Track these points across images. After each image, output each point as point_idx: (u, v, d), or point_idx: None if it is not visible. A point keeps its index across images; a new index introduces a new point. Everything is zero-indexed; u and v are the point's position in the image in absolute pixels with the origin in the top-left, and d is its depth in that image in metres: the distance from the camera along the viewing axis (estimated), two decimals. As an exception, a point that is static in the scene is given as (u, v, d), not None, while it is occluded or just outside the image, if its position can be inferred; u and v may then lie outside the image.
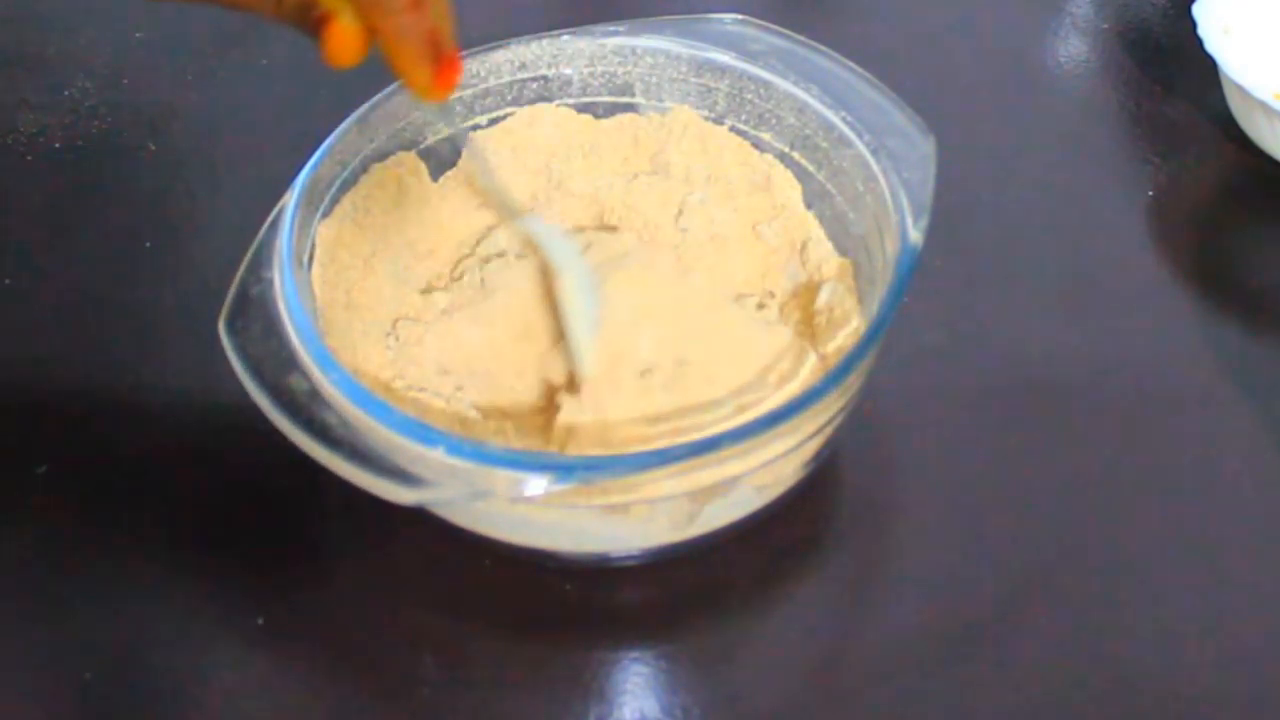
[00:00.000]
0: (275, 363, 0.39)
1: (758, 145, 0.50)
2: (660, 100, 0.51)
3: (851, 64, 0.47)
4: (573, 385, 0.44)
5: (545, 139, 0.51)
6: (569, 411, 0.42)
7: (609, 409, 0.42)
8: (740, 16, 0.50)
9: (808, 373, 0.43)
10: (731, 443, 0.38)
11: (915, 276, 0.41)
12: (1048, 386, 0.50)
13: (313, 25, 0.38)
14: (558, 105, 0.51)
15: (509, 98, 0.51)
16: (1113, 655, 0.43)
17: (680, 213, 0.50)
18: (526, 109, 0.51)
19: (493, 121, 0.51)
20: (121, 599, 0.44)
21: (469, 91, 0.50)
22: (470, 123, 0.50)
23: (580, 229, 0.49)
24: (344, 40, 0.37)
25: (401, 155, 0.49)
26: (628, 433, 0.42)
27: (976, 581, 0.45)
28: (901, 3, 0.69)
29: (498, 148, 0.50)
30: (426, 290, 0.47)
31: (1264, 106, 0.55)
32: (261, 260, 0.41)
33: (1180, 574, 0.45)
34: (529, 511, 0.41)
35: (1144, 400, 0.50)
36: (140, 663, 0.43)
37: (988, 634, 0.43)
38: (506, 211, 0.48)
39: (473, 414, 0.43)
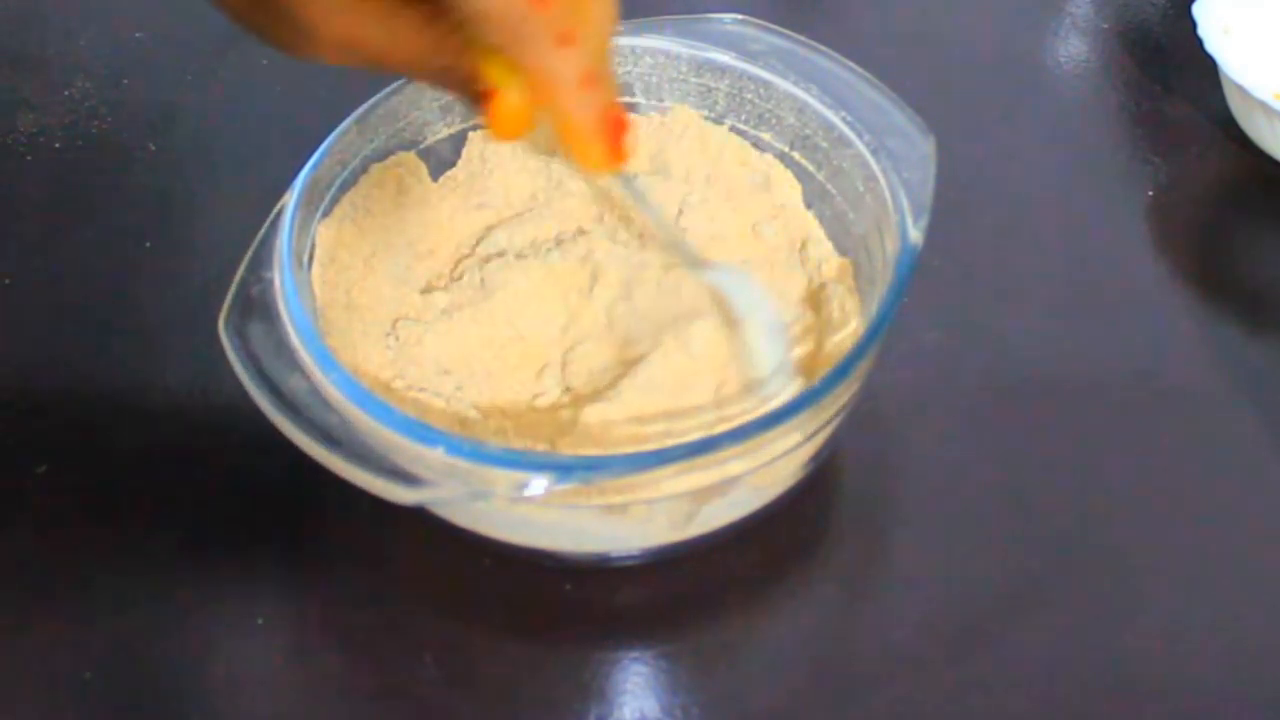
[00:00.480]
0: (275, 363, 0.39)
1: (757, 145, 0.50)
2: (660, 100, 0.51)
3: (851, 64, 0.47)
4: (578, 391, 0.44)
5: (545, 139, 0.51)
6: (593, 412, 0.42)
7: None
8: (740, 16, 0.49)
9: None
10: (731, 443, 0.38)
11: (915, 276, 0.41)
12: (1048, 386, 0.50)
13: (476, 97, 0.36)
14: None
15: (509, 98, 0.50)
16: (1113, 655, 0.43)
17: (680, 212, 0.50)
18: None
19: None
20: (121, 599, 0.44)
21: (469, 91, 0.50)
22: (470, 123, 0.50)
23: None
24: (511, 115, 0.36)
25: (401, 155, 0.49)
26: (625, 432, 0.42)
27: (976, 581, 0.45)
28: (901, 3, 0.69)
29: (497, 147, 0.50)
30: (426, 290, 0.47)
31: (1264, 106, 0.55)
32: (261, 260, 0.41)
33: (1180, 574, 0.45)
34: (529, 511, 0.41)
35: (1144, 400, 0.50)
36: (140, 663, 0.43)
37: (988, 634, 0.43)
38: (682, 256, 0.46)
39: (473, 414, 0.43)
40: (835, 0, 0.69)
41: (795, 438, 0.40)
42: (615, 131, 0.37)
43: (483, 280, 0.47)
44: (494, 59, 0.35)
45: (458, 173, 0.50)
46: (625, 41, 0.50)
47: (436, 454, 0.36)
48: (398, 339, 0.45)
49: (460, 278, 0.48)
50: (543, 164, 0.51)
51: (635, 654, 0.43)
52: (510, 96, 0.36)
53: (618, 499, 0.40)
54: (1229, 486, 0.47)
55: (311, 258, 0.45)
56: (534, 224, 0.49)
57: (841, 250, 0.48)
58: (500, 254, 0.48)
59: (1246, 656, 0.43)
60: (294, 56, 0.36)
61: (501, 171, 0.50)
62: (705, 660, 0.43)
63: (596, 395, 0.43)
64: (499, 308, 0.46)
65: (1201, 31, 0.57)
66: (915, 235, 0.42)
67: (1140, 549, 0.46)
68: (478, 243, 0.49)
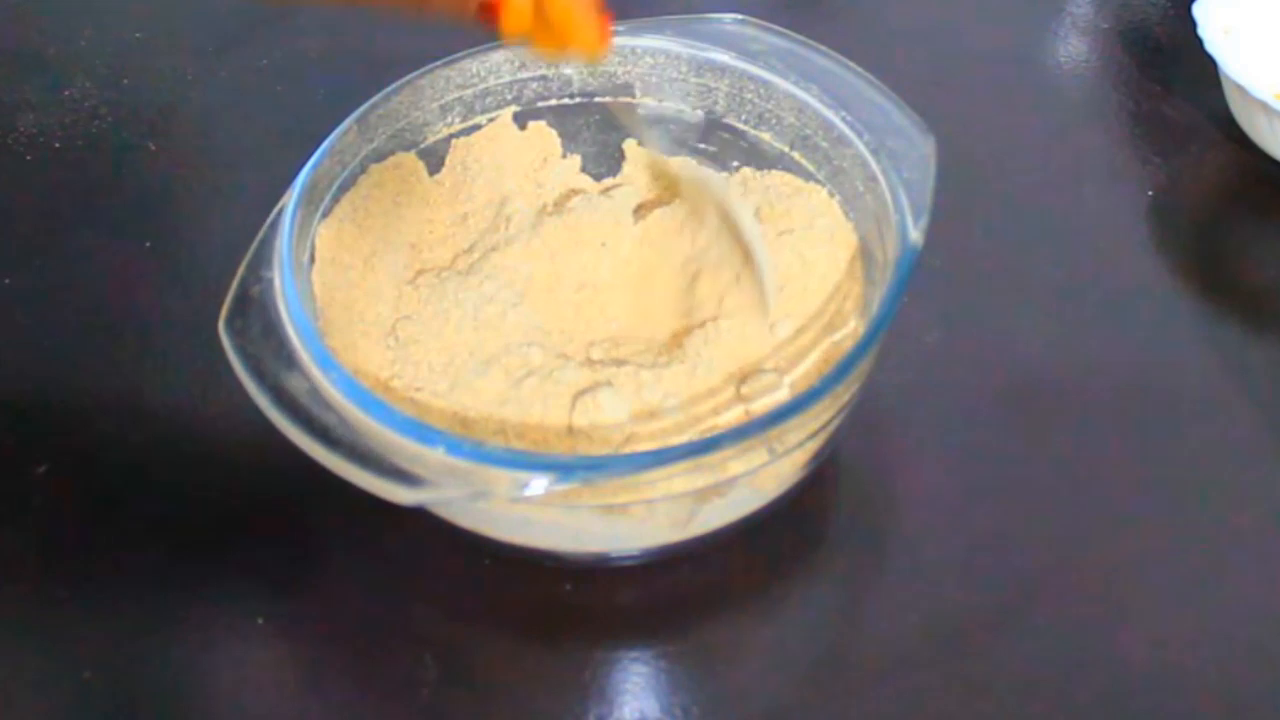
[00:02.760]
0: (275, 363, 0.39)
1: (757, 145, 0.50)
2: (660, 100, 0.51)
3: (851, 64, 0.47)
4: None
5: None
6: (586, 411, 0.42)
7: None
8: (740, 16, 0.49)
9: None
10: (731, 443, 0.38)
11: (915, 276, 0.41)
12: (1047, 386, 0.50)
13: (477, 10, 0.38)
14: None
15: (509, 98, 0.51)
16: (1112, 655, 0.43)
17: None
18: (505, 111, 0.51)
19: (491, 122, 0.51)
20: (120, 599, 0.44)
21: (469, 91, 0.50)
22: (470, 123, 0.50)
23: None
24: (520, 11, 0.38)
25: (401, 156, 0.49)
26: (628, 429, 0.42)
27: (976, 581, 0.45)
28: (902, 3, 0.69)
29: (479, 154, 0.50)
30: (417, 281, 0.47)
31: (1264, 106, 0.55)
32: (261, 260, 0.41)
33: (1180, 574, 0.45)
34: (529, 511, 0.41)
35: (1144, 400, 0.50)
36: (140, 663, 0.43)
37: (987, 634, 0.43)
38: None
39: (472, 413, 0.43)
40: (835, 0, 0.69)
41: (795, 437, 0.40)
42: (604, 14, 0.39)
43: (478, 275, 0.47)
44: None
45: (444, 179, 0.50)
46: (625, 41, 0.50)
47: (436, 454, 0.36)
48: (397, 339, 0.45)
49: (458, 273, 0.48)
50: (526, 164, 0.51)
51: (635, 654, 0.43)
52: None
53: (618, 499, 0.40)
54: (1228, 486, 0.47)
55: (311, 258, 0.45)
56: (523, 214, 0.49)
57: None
58: (494, 249, 0.48)
59: (1246, 656, 0.43)
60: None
61: (485, 178, 0.50)
62: (705, 660, 0.43)
63: (598, 386, 0.43)
64: (496, 305, 0.46)
65: (1201, 31, 0.57)
66: (915, 235, 0.42)
67: (1139, 549, 0.46)
68: (471, 246, 0.49)
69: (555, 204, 0.50)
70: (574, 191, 0.51)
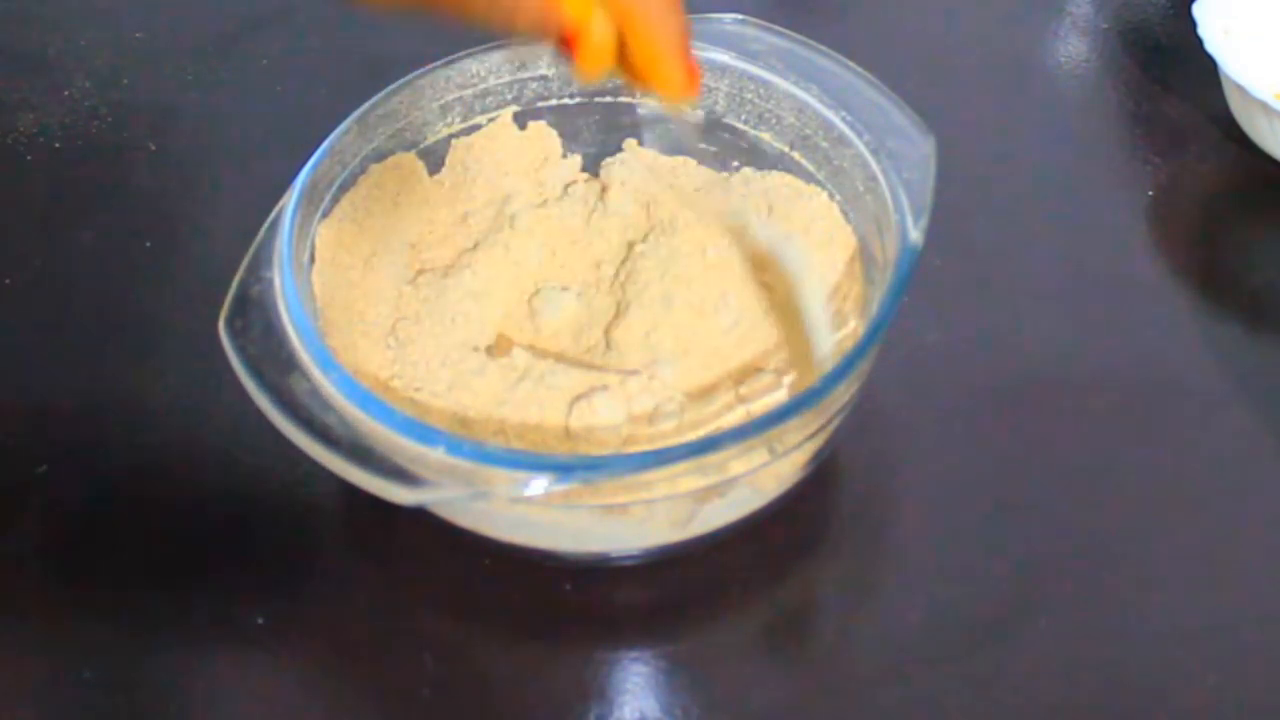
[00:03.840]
0: (275, 363, 0.39)
1: (757, 145, 0.50)
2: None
3: (851, 64, 0.47)
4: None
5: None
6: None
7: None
8: (740, 16, 0.49)
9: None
10: (731, 443, 0.38)
11: (915, 276, 0.41)
12: (1048, 386, 0.50)
13: (558, 37, 0.36)
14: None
15: (509, 98, 0.51)
16: (1112, 655, 0.43)
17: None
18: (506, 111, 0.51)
19: (491, 122, 0.51)
20: (121, 599, 0.44)
21: (469, 91, 0.50)
22: (470, 123, 0.50)
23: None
24: (599, 49, 0.36)
25: (401, 156, 0.49)
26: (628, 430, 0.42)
27: (976, 581, 0.45)
28: (901, 3, 0.69)
29: (479, 154, 0.50)
30: (417, 281, 0.47)
31: (1264, 106, 0.55)
32: (261, 260, 0.41)
33: (1180, 574, 0.45)
34: (529, 511, 0.41)
35: (1144, 400, 0.50)
36: (140, 663, 0.43)
37: (987, 634, 0.43)
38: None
39: (471, 413, 0.43)
40: (835, 0, 0.69)
41: (795, 438, 0.40)
42: (691, 58, 0.37)
43: (471, 274, 0.47)
44: None
45: (444, 179, 0.50)
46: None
47: (436, 454, 0.36)
48: (397, 339, 0.45)
49: (448, 274, 0.48)
50: (526, 164, 0.51)
51: (635, 654, 0.43)
52: (598, 28, 0.36)
53: (618, 499, 0.40)
54: (1229, 486, 0.47)
55: (312, 258, 0.45)
56: (523, 214, 0.49)
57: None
58: (494, 249, 0.48)
59: (1246, 657, 0.43)
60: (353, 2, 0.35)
61: (484, 178, 0.50)
62: (705, 660, 0.43)
63: (594, 391, 0.43)
64: (489, 303, 0.46)
65: (1201, 31, 0.57)
66: (915, 235, 0.42)
67: (1140, 548, 0.46)
68: (471, 246, 0.49)
69: (554, 204, 0.50)
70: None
